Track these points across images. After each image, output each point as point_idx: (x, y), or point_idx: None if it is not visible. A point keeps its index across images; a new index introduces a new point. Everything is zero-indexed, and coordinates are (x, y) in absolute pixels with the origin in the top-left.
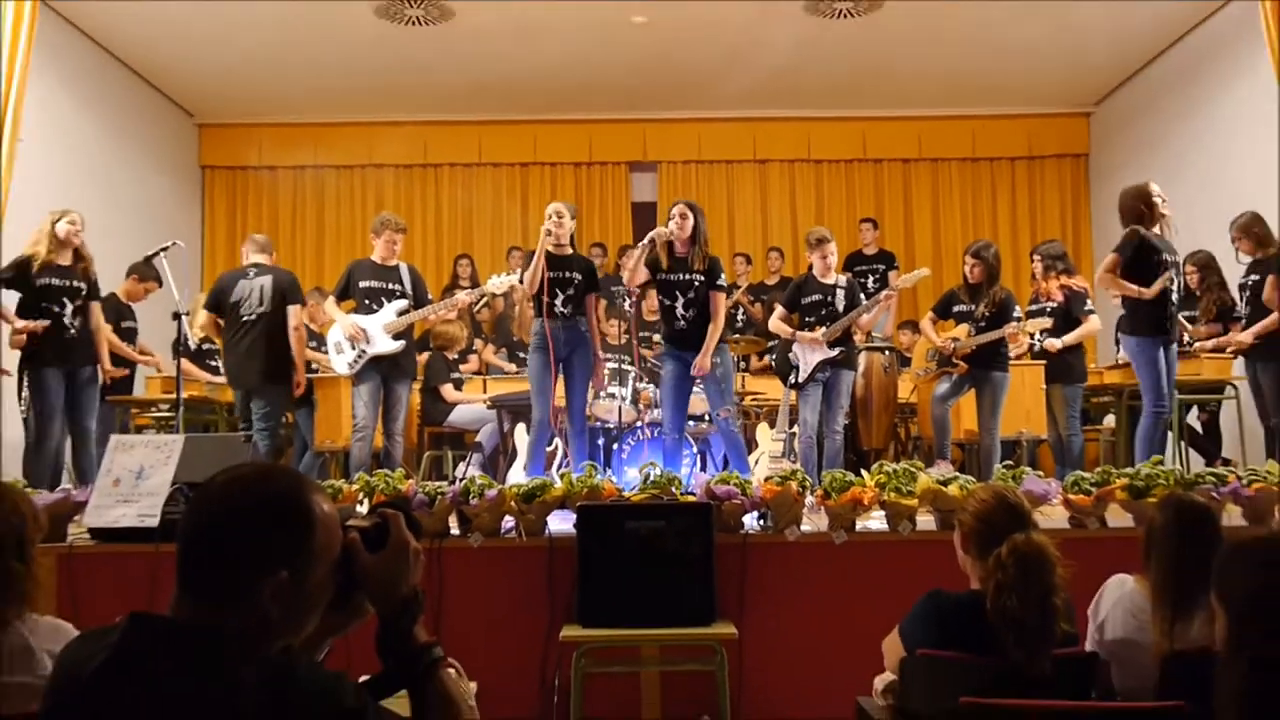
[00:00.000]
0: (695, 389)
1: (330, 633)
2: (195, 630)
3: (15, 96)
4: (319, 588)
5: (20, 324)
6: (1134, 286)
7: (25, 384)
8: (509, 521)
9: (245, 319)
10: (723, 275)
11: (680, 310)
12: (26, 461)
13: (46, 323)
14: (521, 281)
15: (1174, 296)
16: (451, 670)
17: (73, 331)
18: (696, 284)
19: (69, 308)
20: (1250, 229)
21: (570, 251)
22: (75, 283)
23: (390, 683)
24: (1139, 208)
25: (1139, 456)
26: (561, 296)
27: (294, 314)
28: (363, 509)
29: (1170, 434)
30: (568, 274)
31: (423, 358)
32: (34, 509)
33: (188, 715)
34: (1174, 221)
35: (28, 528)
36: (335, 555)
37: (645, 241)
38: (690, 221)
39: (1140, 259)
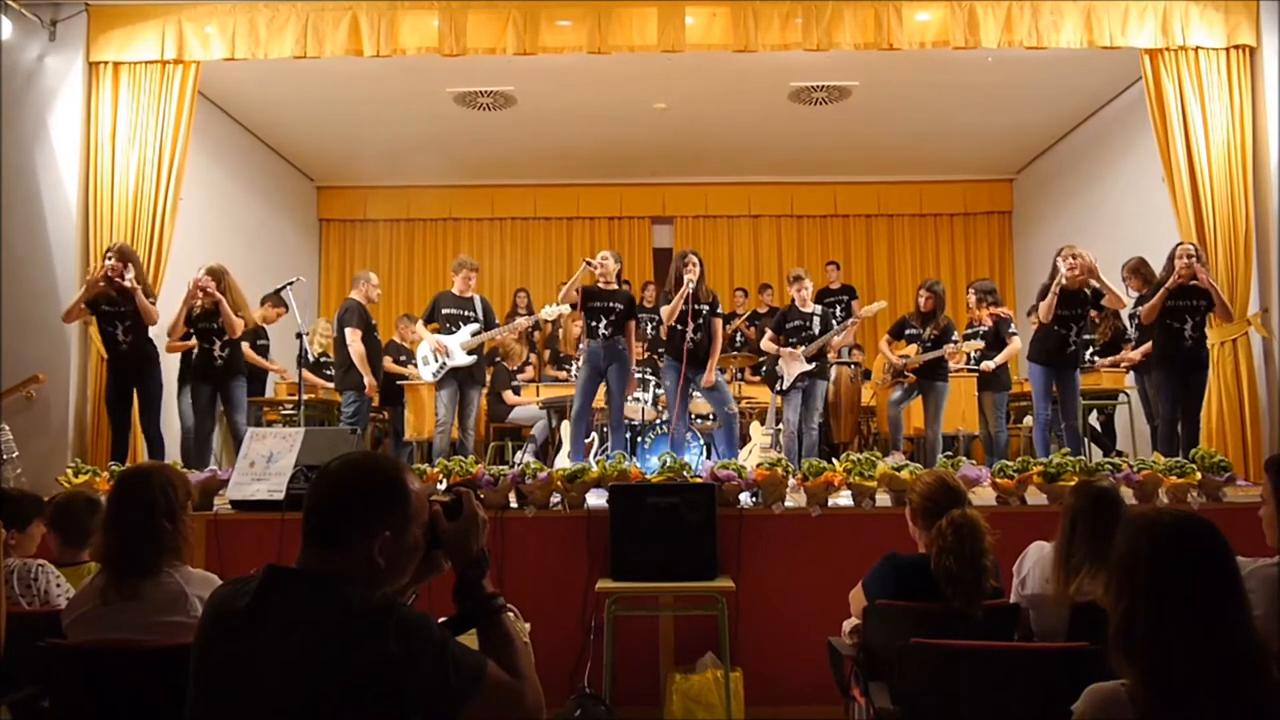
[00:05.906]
0: (694, 395)
1: (416, 582)
2: (319, 576)
3: (178, 165)
4: (413, 545)
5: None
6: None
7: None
8: (556, 497)
9: None
10: (720, 306)
11: (690, 334)
12: (182, 447)
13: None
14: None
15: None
16: (510, 614)
17: (219, 361)
18: (704, 313)
19: (216, 343)
20: (1138, 270)
21: (615, 287)
22: (216, 324)
23: (464, 623)
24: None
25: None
26: (604, 322)
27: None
28: (442, 487)
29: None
30: (611, 304)
31: (490, 369)
32: (186, 484)
33: (313, 642)
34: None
35: (178, 496)
36: (424, 521)
37: (684, 293)
38: (698, 269)
39: None
